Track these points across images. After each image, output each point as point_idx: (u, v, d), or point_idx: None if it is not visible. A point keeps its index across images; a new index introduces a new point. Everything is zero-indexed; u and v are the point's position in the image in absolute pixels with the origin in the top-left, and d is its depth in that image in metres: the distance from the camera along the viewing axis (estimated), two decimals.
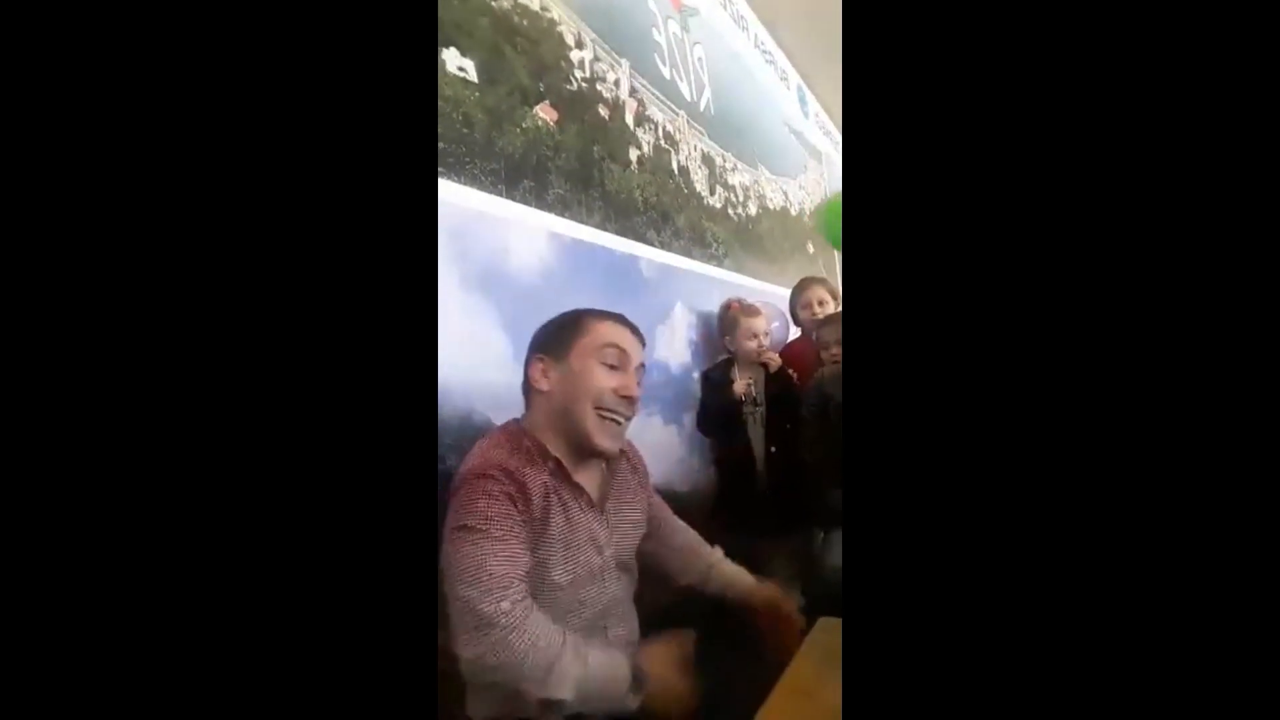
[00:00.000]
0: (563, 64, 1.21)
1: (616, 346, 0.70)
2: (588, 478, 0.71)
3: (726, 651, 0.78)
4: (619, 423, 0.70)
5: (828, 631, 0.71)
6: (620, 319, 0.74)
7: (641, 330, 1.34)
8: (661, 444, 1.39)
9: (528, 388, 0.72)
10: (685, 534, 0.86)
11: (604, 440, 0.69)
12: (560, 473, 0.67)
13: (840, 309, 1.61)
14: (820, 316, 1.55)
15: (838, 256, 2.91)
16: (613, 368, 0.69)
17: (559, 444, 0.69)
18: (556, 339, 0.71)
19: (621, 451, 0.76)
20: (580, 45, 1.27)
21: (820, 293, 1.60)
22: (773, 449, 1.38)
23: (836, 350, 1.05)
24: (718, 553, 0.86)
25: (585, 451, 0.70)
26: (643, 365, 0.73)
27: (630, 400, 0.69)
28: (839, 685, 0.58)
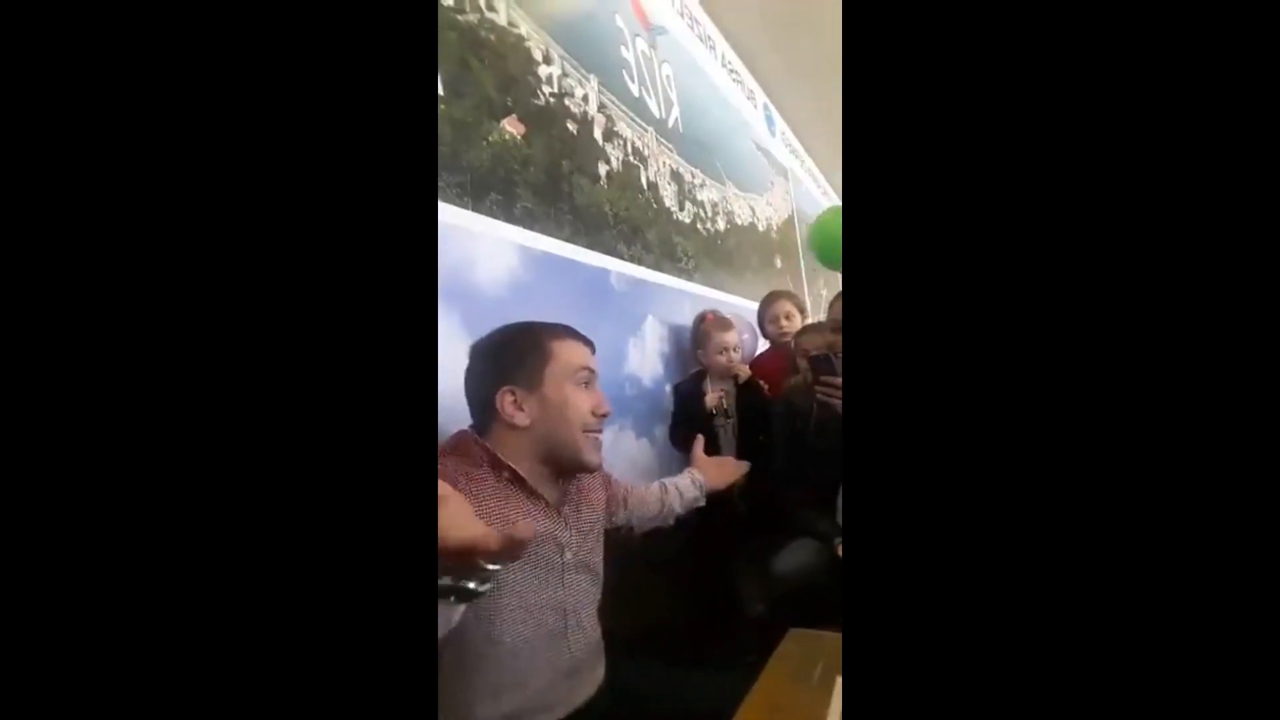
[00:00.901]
0: (530, 79, 1.22)
1: (586, 367, 0.71)
2: (545, 484, 0.70)
3: (695, 667, 0.78)
4: (600, 439, 0.72)
5: (797, 643, 0.71)
6: (571, 332, 0.73)
7: (613, 343, 1.35)
8: (634, 457, 1.38)
9: (489, 417, 0.69)
10: (649, 492, 0.92)
11: (594, 457, 0.71)
12: (516, 480, 0.67)
13: (811, 319, 1.64)
14: (787, 329, 1.58)
15: (804, 270, 2.97)
16: (586, 386, 0.71)
17: (534, 466, 0.68)
18: (523, 367, 0.69)
19: None
20: (548, 61, 1.28)
21: (787, 306, 1.63)
22: (744, 459, 1.38)
23: (835, 381, 1.04)
24: (668, 485, 0.94)
25: (571, 469, 0.71)
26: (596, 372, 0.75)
27: (606, 415, 0.72)
28: (810, 698, 0.58)
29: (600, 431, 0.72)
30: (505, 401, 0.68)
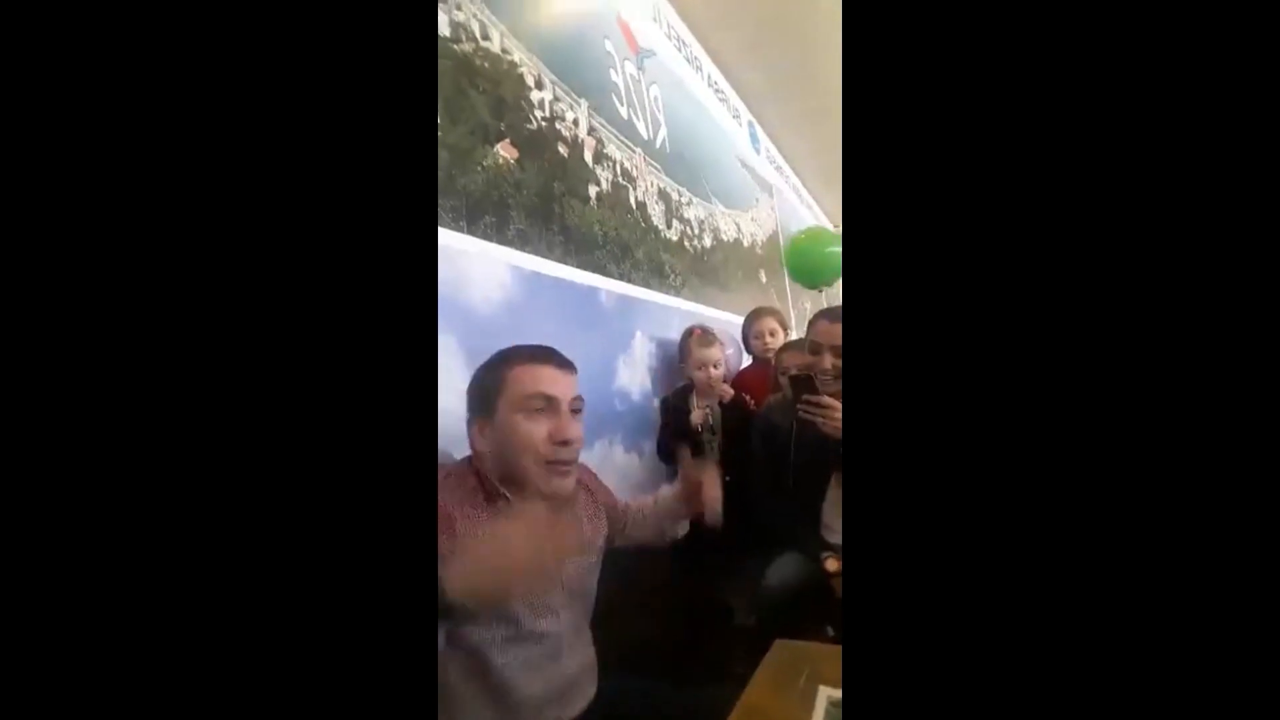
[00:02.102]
0: (523, 104, 1.26)
1: (539, 394, 0.68)
2: None
3: (685, 679, 0.80)
4: (564, 467, 0.69)
5: (783, 653, 0.74)
6: (542, 356, 0.72)
7: (603, 360, 1.38)
8: (623, 471, 1.41)
9: (472, 444, 0.73)
10: (646, 515, 0.91)
11: (552, 486, 0.69)
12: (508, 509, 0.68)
13: (794, 335, 1.69)
14: (770, 345, 1.62)
15: (789, 285, 3.03)
16: (539, 412, 0.68)
17: (512, 488, 0.70)
18: (485, 395, 0.70)
19: (578, 483, 0.78)
20: (540, 86, 1.32)
21: (771, 323, 1.67)
22: (727, 477, 1.41)
23: (816, 399, 1.06)
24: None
25: (537, 496, 0.70)
26: (579, 397, 0.72)
27: (566, 444, 0.68)
28: (795, 706, 0.61)
29: (564, 461, 0.69)
30: (473, 432, 0.71)
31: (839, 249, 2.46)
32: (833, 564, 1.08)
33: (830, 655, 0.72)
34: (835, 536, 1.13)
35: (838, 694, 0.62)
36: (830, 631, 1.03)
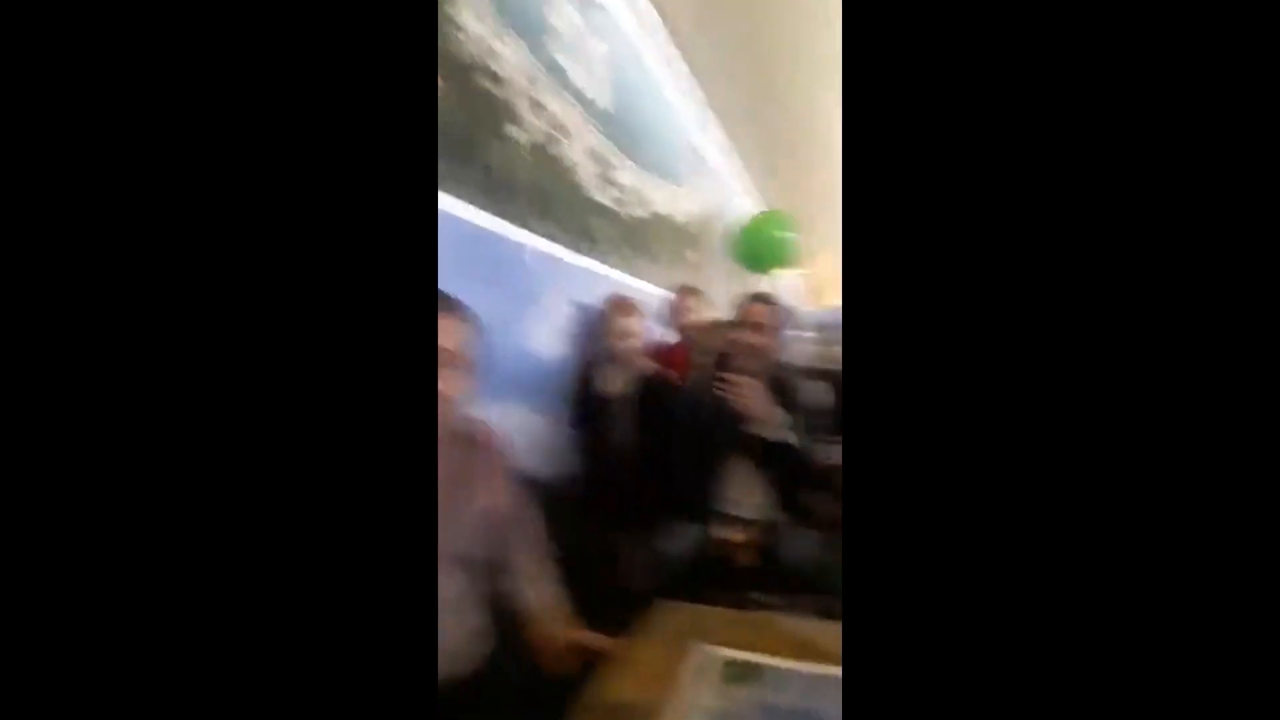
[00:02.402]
0: (455, 34, 1.16)
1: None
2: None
3: None
4: None
5: (662, 614, 0.75)
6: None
7: (519, 319, 1.33)
8: (531, 432, 1.38)
9: None
10: (519, 545, 0.83)
11: None
12: None
13: (718, 318, 1.71)
14: (693, 323, 1.64)
15: (718, 265, 3.07)
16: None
17: None
18: None
19: (474, 440, 0.75)
20: (477, 19, 1.22)
21: (695, 301, 1.69)
22: (640, 445, 1.42)
23: (731, 378, 1.06)
24: (533, 560, 0.84)
25: None
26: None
27: None
28: (665, 662, 0.62)
29: None
30: None
31: (792, 234, 2.50)
32: (736, 535, 1.11)
33: (720, 618, 0.74)
34: (738, 510, 1.16)
35: (732, 654, 0.64)
36: (758, 598, 1.01)
